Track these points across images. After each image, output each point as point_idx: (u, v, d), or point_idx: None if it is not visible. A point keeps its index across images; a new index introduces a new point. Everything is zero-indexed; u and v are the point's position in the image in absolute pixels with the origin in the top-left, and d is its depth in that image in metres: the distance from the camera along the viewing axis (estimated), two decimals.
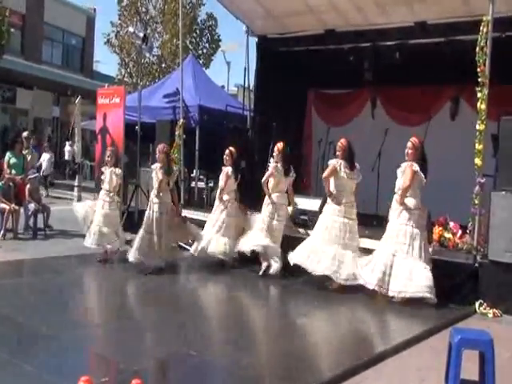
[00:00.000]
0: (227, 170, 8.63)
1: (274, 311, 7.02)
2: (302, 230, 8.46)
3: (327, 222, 7.57)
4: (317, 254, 7.41)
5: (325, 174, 7.68)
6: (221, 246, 8.47)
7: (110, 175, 8.76)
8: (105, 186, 8.76)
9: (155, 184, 8.28)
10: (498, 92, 7.77)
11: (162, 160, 8.29)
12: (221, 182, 8.72)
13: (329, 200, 7.65)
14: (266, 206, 8.23)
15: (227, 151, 8.73)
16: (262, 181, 8.23)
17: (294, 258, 7.60)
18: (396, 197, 7.08)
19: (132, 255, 8.11)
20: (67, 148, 24.28)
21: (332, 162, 7.63)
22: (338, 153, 7.64)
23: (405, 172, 6.98)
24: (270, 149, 10.34)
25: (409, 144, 7.09)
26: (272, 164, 8.24)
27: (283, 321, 6.47)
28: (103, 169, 8.97)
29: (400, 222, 6.99)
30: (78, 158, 16.58)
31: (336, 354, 5.55)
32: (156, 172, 8.26)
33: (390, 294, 6.89)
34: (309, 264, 7.41)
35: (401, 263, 6.88)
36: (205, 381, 4.56)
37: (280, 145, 8.29)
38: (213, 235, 8.53)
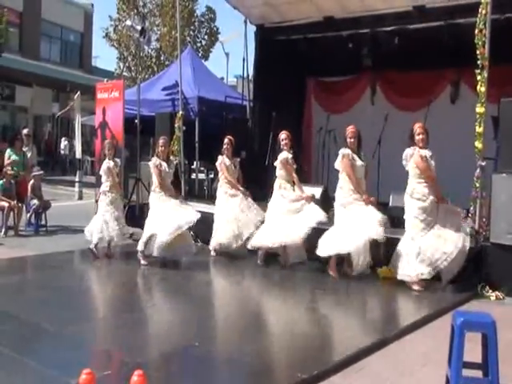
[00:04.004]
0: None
1: (280, 299, 7.00)
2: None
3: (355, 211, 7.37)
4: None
5: (348, 170, 7.33)
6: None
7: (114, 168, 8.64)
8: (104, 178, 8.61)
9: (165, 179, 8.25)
10: (498, 74, 7.71)
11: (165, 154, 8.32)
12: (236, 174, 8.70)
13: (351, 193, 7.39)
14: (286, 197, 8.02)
15: (227, 140, 8.71)
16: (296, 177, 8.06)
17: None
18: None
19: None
20: (64, 143, 24.44)
21: (343, 154, 7.39)
22: (351, 139, 7.42)
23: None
24: (270, 138, 10.33)
25: (420, 130, 6.94)
26: (289, 155, 8.06)
27: (289, 309, 6.45)
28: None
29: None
30: (78, 153, 16.55)
31: (341, 340, 5.55)
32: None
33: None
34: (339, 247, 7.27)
35: None
36: (208, 371, 4.54)
37: (288, 133, 8.18)
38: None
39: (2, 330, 5.18)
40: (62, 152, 24.52)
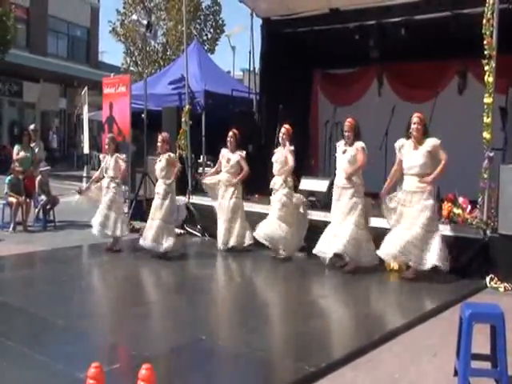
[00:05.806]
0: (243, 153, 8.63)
1: (287, 293, 7.01)
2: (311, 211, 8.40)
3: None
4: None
5: (364, 161, 7.40)
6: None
7: (115, 161, 8.55)
8: (109, 172, 8.51)
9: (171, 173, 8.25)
10: (505, 64, 7.64)
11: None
12: (246, 167, 8.62)
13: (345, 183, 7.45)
14: (285, 190, 8.11)
15: (231, 133, 8.69)
16: (292, 165, 8.07)
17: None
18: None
19: (144, 242, 8.11)
20: (51, 136, 24.72)
21: (363, 146, 7.41)
22: (347, 133, 7.48)
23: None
24: (277, 131, 10.30)
25: (416, 119, 6.97)
26: (291, 147, 8.10)
27: (296, 302, 6.45)
28: (101, 156, 8.81)
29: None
30: (86, 148, 16.57)
31: (348, 332, 5.56)
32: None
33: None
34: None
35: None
36: (215, 365, 4.56)
37: (288, 127, 8.21)
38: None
39: (11, 325, 5.22)
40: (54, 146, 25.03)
